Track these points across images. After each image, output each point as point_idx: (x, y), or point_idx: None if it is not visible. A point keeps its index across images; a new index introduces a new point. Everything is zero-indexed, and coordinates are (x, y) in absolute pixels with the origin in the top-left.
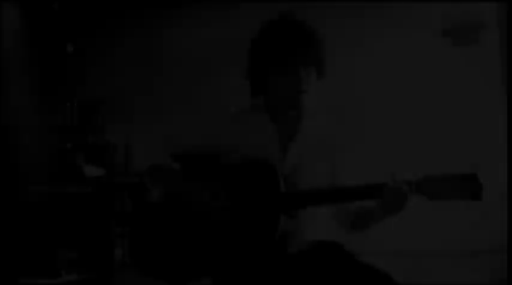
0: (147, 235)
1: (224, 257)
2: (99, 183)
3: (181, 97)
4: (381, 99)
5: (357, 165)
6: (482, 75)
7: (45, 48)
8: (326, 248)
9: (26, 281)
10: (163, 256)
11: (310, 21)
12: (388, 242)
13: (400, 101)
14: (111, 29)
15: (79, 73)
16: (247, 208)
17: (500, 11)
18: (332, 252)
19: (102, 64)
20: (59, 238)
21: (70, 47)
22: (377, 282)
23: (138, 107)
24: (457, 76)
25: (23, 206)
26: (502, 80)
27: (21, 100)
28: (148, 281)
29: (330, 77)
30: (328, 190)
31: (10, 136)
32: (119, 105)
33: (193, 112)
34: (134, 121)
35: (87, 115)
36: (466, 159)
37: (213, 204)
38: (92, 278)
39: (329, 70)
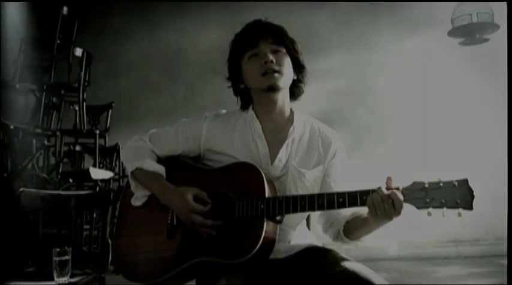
0: (129, 238)
1: (207, 261)
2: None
3: (188, 100)
4: (378, 100)
5: (347, 169)
6: (490, 74)
7: (54, 52)
8: (313, 254)
9: (20, 284)
10: (143, 260)
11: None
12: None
13: (399, 102)
14: (118, 32)
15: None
16: (231, 213)
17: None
18: (318, 259)
19: (109, 67)
20: (54, 241)
21: (78, 50)
22: None
23: (145, 109)
24: (464, 77)
25: (18, 208)
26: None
27: (27, 104)
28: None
29: (325, 78)
30: (314, 196)
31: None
32: (125, 108)
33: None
34: (141, 123)
35: (95, 118)
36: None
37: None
38: (87, 281)
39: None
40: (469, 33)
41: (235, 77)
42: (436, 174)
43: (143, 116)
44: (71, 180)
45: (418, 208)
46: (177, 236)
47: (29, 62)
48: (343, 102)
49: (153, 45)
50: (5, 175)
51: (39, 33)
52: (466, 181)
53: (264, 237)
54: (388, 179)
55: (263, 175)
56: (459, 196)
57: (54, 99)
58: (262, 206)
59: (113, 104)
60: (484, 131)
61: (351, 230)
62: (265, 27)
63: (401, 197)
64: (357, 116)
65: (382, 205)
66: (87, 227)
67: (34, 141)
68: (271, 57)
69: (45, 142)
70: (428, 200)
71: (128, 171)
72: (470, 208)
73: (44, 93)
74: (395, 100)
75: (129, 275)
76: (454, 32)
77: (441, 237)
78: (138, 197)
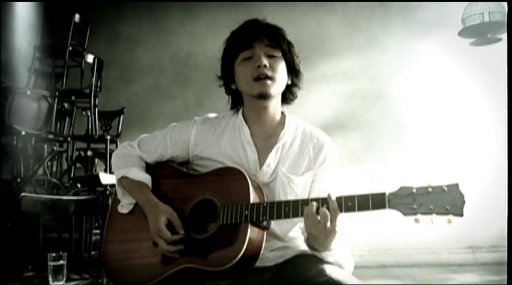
0: (116, 244)
1: (192, 268)
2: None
3: (199, 104)
4: (391, 104)
5: (335, 178)
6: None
7: (66, 59)
8: (300, 262)
9: None
10: (130, 266)
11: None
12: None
13: (412, 105)
14: (129, 39)
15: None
16: (215, 219)
17: None
18: (305, 267)
19: (121, 73)
20: (55, 246)
21: (90, 56)
22: None
23: (156, 114)
24: (478, 79)
25: (19, 213)
26: None
27: (40, 110)
28: None
29: (337, 81)
30: (298, 202)
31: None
32: (137, 113)
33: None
34: (152, 128)
35: (107, 124)
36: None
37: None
38: None
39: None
40: (480, 33)
41: (227, 77)
42: (450, 178)
43: (155, 121)
44: (79, 185)
45: (405, 214)
46: (158, 249)
47: (42, 69)
48: (355, 105)
49: (165, 50)
50: (18, 180)
51: (52, 40)
52: (456, 186)
53: (248, 244)
54: (329, 194)
55: (248, 180)
56: (449, 201)
57: (67, 105)
58: (246, 212)
59: (125, 109)
60: (500, 134)
61: (308, 240)
62: (262, 27)
63: (335, 204)
64: (369, 119)
65: (307, 219)
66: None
67: (45, 146)
68: (265, 61)
69: (55, 148)
70: (415, 206)
71: (115, 179)
72: (460, 214)
73: (56, 99)
74: (408, 103)
75: (116, 281)
76: (464, 32)
77: (457, 243)
78: (125, 205)
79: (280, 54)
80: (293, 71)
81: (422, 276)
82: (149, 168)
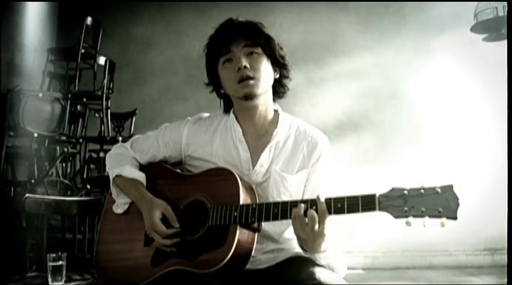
0: (109, 245)
1: (182, 270)
2: None
3: (212, 105)
4: (405, 103)
5: (330, 176)
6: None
7: (78, 61)
8: (292, 265)
9: None
10: (121, 267)
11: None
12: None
13: (428, 104)
14: (142, 40)
15: (110, 84)
16: (205, 220)
17: None
18: (296, 270)
19: (134, 74)
20: (48, 245)
21: (102, 59)
22: None
23: (168, 115)
24: (496, 77)
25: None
26: None
27: (53, 112)
28: None
29: (350, 80)
30: (287, 204)
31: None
32: (150, 114)
33: None
34: None
35: (120, 125)
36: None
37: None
38: None
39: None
40: (494, 28)
41: (215, 83)
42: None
43: (167, 122)
44: (88, 186)
45: (396, 217)
46: (153, 244)
47: (56, 71)
48: (369, 104)
49: (177, 51)
50: (32, 181)
51: (65, 42)
52: (450, 188)
53: (237, 246)
54: (317, 198)
55: (239, 181)
56: (441, 204)
57: (79, 107)
58: (235, 213)
59: (137, 111)
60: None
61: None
62: (236, 28)
63: (324, 205)
64: (383, 119)
65: (295, 221)
66: None
67: (58, 148)
68: (244, 62)
69: (65, 149)
70: (407, 208)
71: (110, 178)
72: (454, 217)
73: (69, 101)
74: (423, 102)
75: (108, 282)
76: (477, 27)
77: (475, 244)
78: (120, 205)
79: (260, 50)
80: (278, 64)
81: (438, 279)
82: (142, 169)
